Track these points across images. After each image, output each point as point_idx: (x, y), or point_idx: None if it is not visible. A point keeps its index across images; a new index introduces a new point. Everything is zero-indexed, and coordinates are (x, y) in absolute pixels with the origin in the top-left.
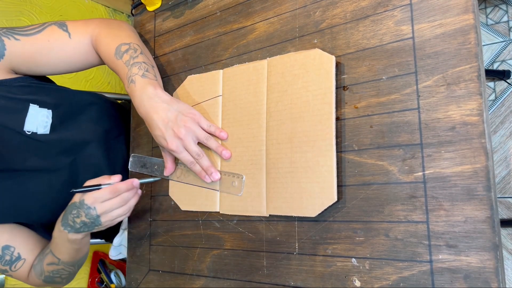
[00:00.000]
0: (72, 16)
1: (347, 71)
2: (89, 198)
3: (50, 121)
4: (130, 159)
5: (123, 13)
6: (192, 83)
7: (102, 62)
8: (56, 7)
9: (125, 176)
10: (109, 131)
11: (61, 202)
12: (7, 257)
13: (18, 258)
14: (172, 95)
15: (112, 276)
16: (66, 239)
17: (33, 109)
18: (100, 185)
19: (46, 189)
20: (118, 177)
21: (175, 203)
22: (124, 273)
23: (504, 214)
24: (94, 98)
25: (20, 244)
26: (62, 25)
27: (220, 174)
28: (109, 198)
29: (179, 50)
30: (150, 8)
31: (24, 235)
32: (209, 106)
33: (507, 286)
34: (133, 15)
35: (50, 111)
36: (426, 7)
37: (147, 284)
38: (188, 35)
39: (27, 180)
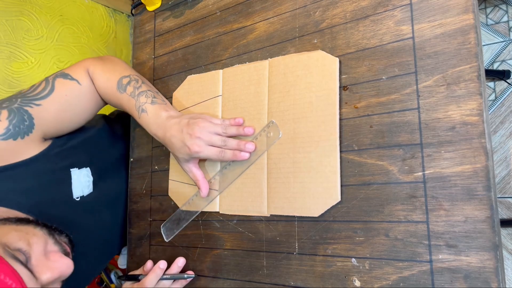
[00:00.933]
0: (72, 16)
1: (347, 71)
2: None
3: (91, 179)
4: (162, 231)
5: (123, 13)
6: (192, 83)
7: (104, 104)
8: (56, 7)
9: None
10: (122, 159)
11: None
12: None
13: None
14: (172, 95)
15: (112, 276)
16: None
17: (75, 173)
18: (140, 275)
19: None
20: (149, 264)
21: (175, 203)
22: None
23: (504, 214)
24: (109, 131)
25: None
26: (65, 76)
27: (253, 141)
28: None
29: (179, 50)
30: (150, 8)
31: None
32: (209, 106)
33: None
34: (133, 15)
35: (88, 168)
36: (426, 7)
37: None
38: (188, 35)
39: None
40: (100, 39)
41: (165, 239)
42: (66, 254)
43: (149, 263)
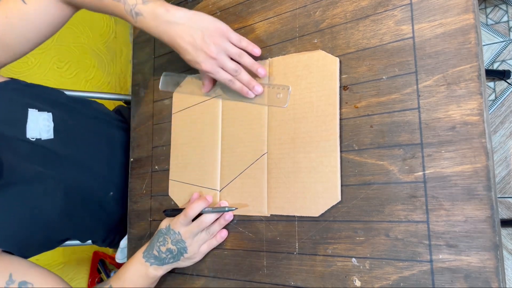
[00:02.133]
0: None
1: (347, 71)
2: (174, 224)
3: (52, 124)
4: (162, 77)
5: None
6: (192, 83)
7: (72, 14)
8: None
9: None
10: (110, 136)
11: (79, 213)
12: None
13: None
14: (173, 95)
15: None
16: (144, 273)
17: (33, 113)
18: (183, 208)
19: (62, 198)
20: (195, 195)
21: (175, 203)
22: None
23: (504, 214)
24: (89, 103)
25: (39, 282)
26: None
27: (263, 87)
28: (187, 222)
29: None
30: None
31: (45, 274)
32: (209, 106)
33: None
34: None
35: (50, 113)
36: (426, 7)
37: None
38: None
39: (40, 189)
40: (100, 39)
41: (160, 86)
42: None
43: (196, 194)
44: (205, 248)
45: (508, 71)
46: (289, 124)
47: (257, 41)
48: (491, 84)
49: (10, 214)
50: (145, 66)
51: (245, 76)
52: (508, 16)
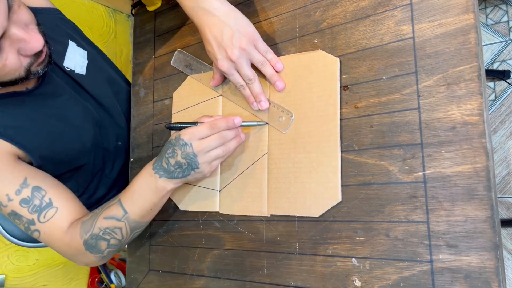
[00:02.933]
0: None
1: (347, 71)
2: (186, 134)
3: (86, 61)
4: (175, 54)
5: (123, 13)
6: (193, 83)
7: None
8: (55, 6)
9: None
10: (123, 90)
11: (100, 144)
12: (37, 201)
13: (50, 204)
14: (173, 95)
15: (112, 276)
16: (154, 186)
17: (72, 46)
18: (197, 122)
19: (90, 124)
20: (237, 120)
21: (175, 203)
22: (124, 273)
23: (504, 214)
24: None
25: (53, 190)
26: None
27: (269, 103)
28: (207, 135)
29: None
30: (150, 8)
31: (60, 186)
32: (210, 106)
33: (507, 286)
34: (133, 15)
35: (85, 52)
36: (426, 7)
37: (147, 284)
38: (188, 35)
39: (70, 109)
40: (100, 39)
41: (172, 62)
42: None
43: (206, 117)
44: (216, 163)
45: (508, 71)
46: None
47: None
48: (491, 84)
49: (39, 122)
50: (145, 66)
51: (257, 87)
52: (508, 16)
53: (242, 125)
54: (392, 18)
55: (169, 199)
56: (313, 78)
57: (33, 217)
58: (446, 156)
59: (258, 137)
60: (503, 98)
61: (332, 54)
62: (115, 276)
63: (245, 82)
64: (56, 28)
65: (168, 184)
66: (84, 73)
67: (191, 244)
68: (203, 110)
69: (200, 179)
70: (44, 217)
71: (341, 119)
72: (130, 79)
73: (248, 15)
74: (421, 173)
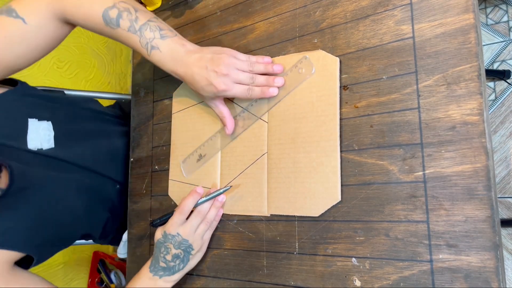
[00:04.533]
0: None
1: (347, 71)
2: (169, 228)
3: (52, 133)
4: (182, 166)
5: None
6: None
7: (69, 32)
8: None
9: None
10: (110, 135)
11: (90, 208)
12: None
13: None
14: (172, 95)
15: (112, 276)
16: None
17: (33, 124)
18: (172, 211)
19: (73, 196)
20: (198, 190)
21: (175, 203)
22: (124, 273)
23: (504, 214)
24: (87, 105)
25: None
26: (10, 12)
27: (282, 78)
28: (184, 220)
29: None
30: (150, 8)
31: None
32: (209, 106)
33: (507, 286)
34: None
35: (49, 122)
36: (426, 7)
37: None
38: (188, 35)
39: (52, 191)
40: (100, 39)
41: (185, 175)
42: None
43: (199, 188)
44: (208, 235)
45: (508, 71)
46: (289, 124)
47: (257, 41)
48: (491, 84)
49: (25, 218)
50: (145, 66)
51: (260, 78)
52: (508, 16)
53: (207, 198)
54: (392, 18)
55: (169, 199)
56: (312, 78)
57: None
58: (446, 156)
59: (258, 137)
60: (503, 98)
61: (332, 54)
62: (115, 276)
63: (249, 84)
64: (9, 112)
65: (169, 283)
66: (53, 145)
67: None
68: (203, 110)
69: (199, 258)
70: None
71: (341, 119)
72: (130, 79)
73: (248, 15)
74: (421, 173)
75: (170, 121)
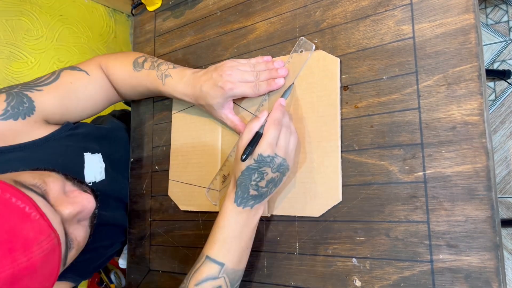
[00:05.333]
0: (72, 16)
1: (347, 71)
2: (266, 149)
3: (103, 165)
4: (207, 194)
5: (123, 13)
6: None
7: (118, 99)
8: (56, 7)
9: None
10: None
11: (115, 241)
12: None
13: None
14: None
15: (112, 276)
16: (247, 220)
17: (88, 158)
18: (257, 132)
19: (107, 234)
20: (283, 101)
21: (175, 203)
22: (124, 273)
23: (504, 214)
24: (115, 129)
25: None
26: (74, 68)
27: (284, 68)
28: (277, 136)
29: (179, 50)
30: (150, 8)
31: None
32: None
33: (507, 286)
34: (133, 15)
35: (100, 154)
36: (426, 7)
37: (147, 284)
38: (188, 35)
39: (102, 233)
40: (100, 39)
41: (214, 203)
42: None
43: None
44: (292, 143)
45: (508, 71)
46: None
47: (257, 41)
48: (491, 84)
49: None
50: None
51: (264, 72)
52: (508, 16)
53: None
54: (392, 18)
55: (169, 199)
56: (313, 78)
57: None
58: (447, 156)
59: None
60: (503, 98)
61: (332, 54)
62: (115, 276)
63: (254, 81)
64: (67, 150)
65: (260, 208)
66: (104, 177)
67: (192, 244)
68: (203, 110)
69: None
70: None
71: (341, 119)
72: None
73: (248, 15)
74: (421, 173)
75: (170, 121)
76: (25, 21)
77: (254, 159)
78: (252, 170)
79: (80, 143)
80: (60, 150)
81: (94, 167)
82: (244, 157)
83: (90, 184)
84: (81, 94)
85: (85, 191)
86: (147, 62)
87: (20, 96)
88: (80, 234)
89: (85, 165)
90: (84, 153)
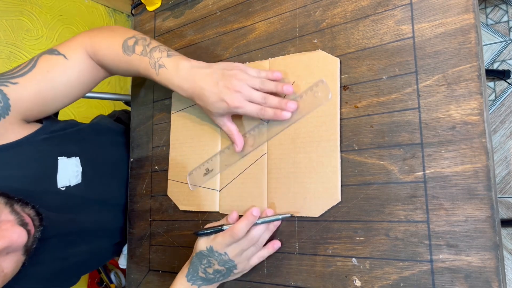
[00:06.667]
0: (72, 16)
1: (347, 71)
2: (217, 245)
3: (80, 168)
4: (188, 178)
5: (123, 13)
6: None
7: (107, 75)
8: (56, 6)
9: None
10: (121, 160)
11: (101, 245)
12: None
13: None
14: (172, 95)
15: (112, 276)
16: None
17: (62, 162)
18: (222, 225)
19: (90, 240)
20: (234, 214)
21: (175, 203)
22: (124, 273)
23: (504, 214)
24: (109, 129)
25: None
26: (52, 51)
27: (296, 101)
28: (234, 241)
29: (179, 50)
30: (150, 8)
31: None
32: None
33: (507, 286)
34: (133, 15)
35: (77, 158)
36: (426, 7)
37: (147, 284)
38: (188, 35)
39: (73, 239)
40: None
41: (191, 188)
42: (23, 224)
43: (235, 213)
44: (255, 261)
45: (508, 71)
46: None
47: (257, 41)
48: (491, 84)
49: (43, 267)
50: None
51: (273, 99)
52: (508, 16)
53: (264, 221)
54: (392, 18)
55: (169, 199)
56: (313, 78)
57: None
58: (446, 156)
59: (257, 137)
60: (503, 98)
61: (332, 54)
62: (115, 276)
63: (261, 103)
64: (41, 154)
65: None
66: (80, 180)
67: (191, 244)
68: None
69: (239, 276)
70: None
71: (341, 119)
72: (130, 79)
73: (248, 15)
74: (421, 173)
75: (170, 121)
76: (25, 21)
77: (206, 247)
78: (203, 256)
79: (56, 147)
80: (33, 155)
81: (69, 171)
82: (199, 233)
83: (64, 188)
84: (58, 83)
85: (21, 221)
86: (138, 46)
87: None
88: (8, 265)
89: (59, 169)
90: (59, 158)
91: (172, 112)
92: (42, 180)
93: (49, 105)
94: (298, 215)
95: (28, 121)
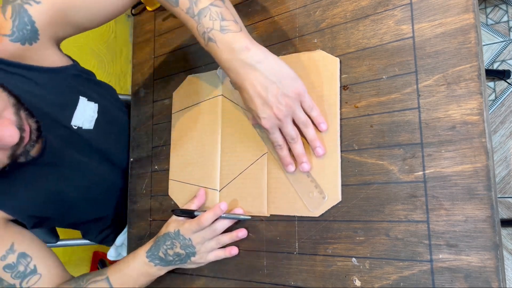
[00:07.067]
0: None
1: (347, 71)
2: (184, 230)
3: (96, 115)
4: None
5: None
6: (192, 83)
7: (132, 3)
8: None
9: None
10: (126, 128)
11: (93, 201)
12: (21, 267)
13: (34, 271)
14: (172, 95)
15: None
16: (146, 272)
17: (83, 102)
18: (194, 211)
19: (85, 186)
20: (201, 191)
21: (175, 202)
22: None
23: (504, 214)
24: (119, 99)
25: (39, 256)
26: None
27: (305, 174)
28: (201, 229)
29: (179, 50)
30: (150, 8)
31: (45, 251)
32: (209, 106)
33: (507, 286)
34: (133, 14)
35: (96, 105)
36: (426, 7)
37: (147, 284)
38: (188, 34)
39: (74, 176)
40: (100, 39)
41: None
42: (20, 129)
43: (202, 190)
44: (211, 257)
45: (508, 71)
46: None
47: (257, 41)
48: (491, 84)
49: (35, 190)
50: (145, 66)
51: (300, 147)
52: (508, 16)
53: (227, 217)
54: (392, 18)
55: (169, 199)
56: (313, 78)
57: (15, 282)
58: (446, 156)
59: (257, 137)
60: (503, 98)
61: (332, 54)
62: None
63: (287, 141)
64: (65, 88)
65: (162, 271)
66: (92, 127)
67: None
68: (203, 110)
69: (194, 266)
70: (26, 283)
71: (341, 119)
72: (130, 79)
73: (248, 15)
74: (421, 173)
75: (170, 121)
76: None
77: (174, 230)
78: (168, 237)
79: (81, 86)
80: (63, 85)
81: (86, 113)
82: (175, 211)
83: (75, 127)
84: (88, 1)
85: (20, 125)
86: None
87: (22, 15)
88: None
89: (78, 107)
90: (80, 97)
91: (173, 112)
92: (59, 110)
93: (77, 25)
94: (298, 214)
95: (60, 41)
